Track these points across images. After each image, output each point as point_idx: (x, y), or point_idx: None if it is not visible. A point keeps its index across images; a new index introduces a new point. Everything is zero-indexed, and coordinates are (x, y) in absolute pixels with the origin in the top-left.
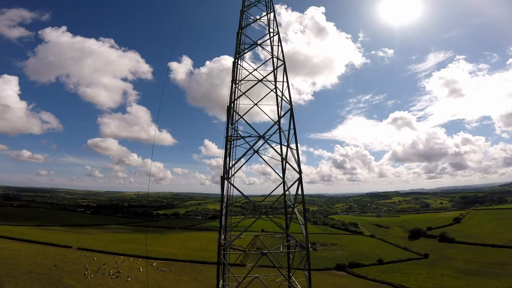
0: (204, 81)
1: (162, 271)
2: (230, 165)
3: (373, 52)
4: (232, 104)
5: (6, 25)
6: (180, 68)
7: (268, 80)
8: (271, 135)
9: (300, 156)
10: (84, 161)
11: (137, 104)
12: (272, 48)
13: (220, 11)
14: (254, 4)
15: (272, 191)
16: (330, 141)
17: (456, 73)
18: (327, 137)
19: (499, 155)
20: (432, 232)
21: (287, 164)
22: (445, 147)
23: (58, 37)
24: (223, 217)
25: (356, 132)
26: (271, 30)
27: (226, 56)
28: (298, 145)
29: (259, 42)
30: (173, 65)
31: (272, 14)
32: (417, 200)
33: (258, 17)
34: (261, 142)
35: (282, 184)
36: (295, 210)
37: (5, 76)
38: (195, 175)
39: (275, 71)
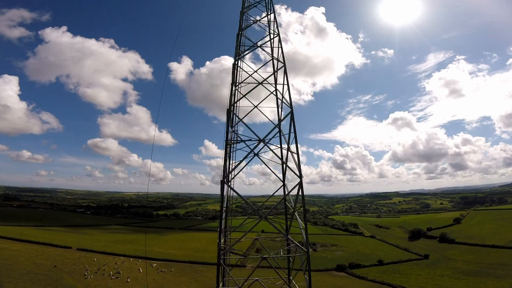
0: (204, 81)
1: (162, 271)
2: (230, 169)
3: (373, 52)
4: (232, 107)
5: (6, 25)
6: (180, 69)
7: (268, 83)
8: (272, 137)
9: (300, 158)
10: (84, 162)
11: (137, 105)
12: (272, 50)
13: (220, 11)
14: (254, 5)
15: (272, 194)
16: (330, 141)
17: (456, 73)
18: (327, 138)
19: (499, 156)
20: (432, 233)
21: (287, 167)
22: (445, 147)
23: (58, 37)
24: (223, 220)
25: (356, 132)
26: (271, 31)
27: (226, 57)
28: (299, 146)
29: (259, 43)
30: (173, 65)
31: (272, 15)
32: (417, 201)
33: (258, 18)
34: (261, 144)
35: (282, 187)
36: (295, 213)
37: (5, 76)
38: (195, 175)
39: (276, 73)
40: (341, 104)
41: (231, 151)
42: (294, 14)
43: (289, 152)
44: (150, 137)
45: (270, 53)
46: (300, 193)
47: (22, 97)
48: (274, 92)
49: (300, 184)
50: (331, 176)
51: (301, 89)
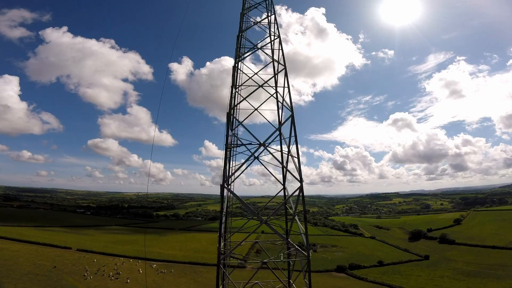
0: (205, 82)
1: (162, 272)
2: (230, 173)
3: (373, 53)
4: (232, 110)
5: (7, 26)
6: (181, 69)
7: (269, 85)
8: (272, 140)
9: (300, 159)
10: (84, 162)
11: (138, 105)
12: (272, 52)
13: (220, 12)
14: (255, 6)
15: (272, 198)
16: (330, 142)
17: (456, 74)
18: (327, 138)
19: (500, 156)
20: (432, 234)
21: (287, 172)
22: (446, 148)
23: (59, 37)
24: (223, 225)
25: (356, 133)
26: (272, 33)
27: (227, 57)
28: (299, 148)
29: (259, 45)
30: (174, 66)
31: (273, 17)
32: (418, 201)
33: (258, 19)
34: (261, 147)
35: (282, 190)
36: (296, 217)
37: (6, 76)
38: (195, 176)
39: (276, 76)
40: (341, 104)
41: (231, 154)
42: (294, 15)
43: (289, 156)
44: (150, 138)
45: (271, 55)
46: (300, 197)
47: (22, 97)
48: (275, 95)
49: (301, 188)
50: (331, 176)
51: (302, 89)
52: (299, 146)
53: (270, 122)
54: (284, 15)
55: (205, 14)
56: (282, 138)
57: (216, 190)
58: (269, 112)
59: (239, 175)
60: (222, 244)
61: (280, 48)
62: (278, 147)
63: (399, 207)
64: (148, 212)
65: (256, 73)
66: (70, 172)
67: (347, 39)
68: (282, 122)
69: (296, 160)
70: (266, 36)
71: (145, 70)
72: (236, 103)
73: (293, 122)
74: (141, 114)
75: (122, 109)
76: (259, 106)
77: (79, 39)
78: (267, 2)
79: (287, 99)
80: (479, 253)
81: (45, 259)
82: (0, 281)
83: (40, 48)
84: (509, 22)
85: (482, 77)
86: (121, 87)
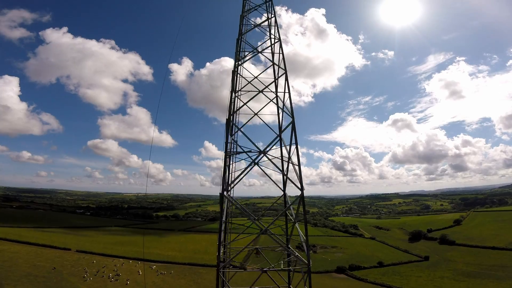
0: (205, 82)
1: (162, 274)
2: (230, 181)
3: (373, 53)
4: (232, 116)
5: (7, 26)
6: (181, 70)
7: (270, 90)
8: (272, 146)
9: (300, 159)
10: (84, 162)
11: (137, 106)
12: (273, 56)
13: (220, 12)
14: (255, 8)
15: (272, 204)
16: (330, 142)
17: (456, 74)
18: (327, 139)
19: (499, 157)
20: (432, 234)
21: (287, 179)
22: (445, 148)
23: (59, 38)
24: (222, 232)
25: (356, 133)
26: (272, 36)
27: (227, 58)
28: (299, 152)
29: (259, 49)
30: (174, 66)
31: (273, 20)
32: (417, 202)
33: (259, 22)
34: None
35: (283, 196)
36: (296, 225)
37: (6, 77)
38: (195, 176)
39: (276, 80)
40: (341, 105)
41: (230, 162)
42: (294, 16)
43: (290, 163)
44: (150, 138)
45: (271, 58)
46: (301, 205)
47: (22, 98)
48: (275, 100)
49: (301, 196)
50: (331, 177)
51: (301, 90)
52: (299, 148)
53: (271, 127)
54: (284, 16)
55: (205, 14)
56: (283, 145)
57: (216, 191)
58: (269, 112)
59: (238, 181)
60: (221, 250)
61: (281, 52)
62: (279, 151)
63: (399, 208)
64: (148, 212)
65: (256, 77)
66: (70, 172)
67: (347, 39)
68: (283, 128)
69: (297, 168)
70: (266, 39)
71: (145, 71)
72: (235, 109)
73: (293, 129)
74: (141, 114)
75: (122, 110)
76: (259, 111)
77: (79, 39)
78: (267, 4)
79: (287, 104)
80: (479, 254)
81: (45, 260)
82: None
83: (40, 48)
84: (509, 23)
85: (482, 78)
86: (121, 87)
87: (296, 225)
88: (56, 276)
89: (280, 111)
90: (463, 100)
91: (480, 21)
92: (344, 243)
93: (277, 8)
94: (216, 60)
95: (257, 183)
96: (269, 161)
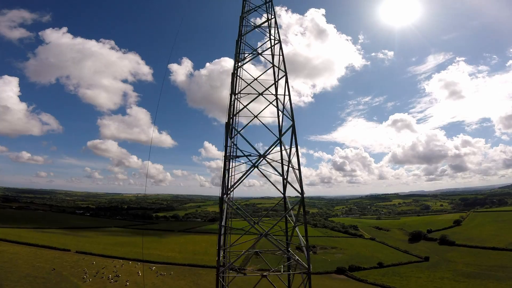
0: (204, 83)
1: (162, 275)
2: (229, 185)
3: (373, 54)
4: (231, 120)
5: (7, 26)
6: (180, 70)
7: (270, 93)
8: (272, 149)
9: (300, 160)
10: (84, 163)
11: (137, 106)
12: (273, 58)
13: (220, 12)
14: (255, 9)
15: (272, 208)
16: (330, 143)
17: (456, 75)
18: (327, 139)
19: (499, 157)
20: (432, 235)
21: (288, 183)
22: (445, 149)
23: (58, 38)
24: (222, 236)
25: (356, 134)
26: (272, 37)
27: (226, 58)
28: (299, 152)
29: (259, 50)
30: (173, 66)
31: (273, 21)
32: (417, 202)
33: (258, 22)
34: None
35: (283, 199)
36: (296, 229)
37: (5, 77)
38: (195, 177)
39: (276, 83)
40: (341, 105)
41: (230, 166)
42: (294, 16)
43: (290, 166)
44: (149, 139)
45: (271, 60)
46: (301, 209)
47: (22, 98)
48: (274, 102)
49: (302, 201)
50: (330, 177)
51: (301, 90)
52: (299, 150)
53: (271, 129)
54: (284, 16)
55: (205, 15)
56: (283, 149)
57: (216, 191)
58: (269, 113)
59: (238, 184)
60: (221, 254)
61: (281, 54)
62: (279, 152)
63: (398, 208)
64: (148, 213)
65: (255, 79)
66: (70, 173)
67: (347, 40)
68: (283, 131)
69: (297, 172)
70: (266, 40)
71: (145, 71)
72: (235, 112)
73: (294, 132)
74: (141, 115)
75: (121, 110)
76: (259, 113)
77: (79, 39)
78: (267, 5)
79: (287, 106)
80: (479, 254)
81: (44, 261)
82: None
83: (40, 48)
84: (508, 23)
85: (481, 78)
86: (121, 88)
87: (296, 229)
88: (55, 277)
89: (280, 113)
90: (463, 100)
91: (480, 21)
92: (344, 244)
93: (277, 9)
94: (216, 60)
95: (257, 184)
96: (265, 169)
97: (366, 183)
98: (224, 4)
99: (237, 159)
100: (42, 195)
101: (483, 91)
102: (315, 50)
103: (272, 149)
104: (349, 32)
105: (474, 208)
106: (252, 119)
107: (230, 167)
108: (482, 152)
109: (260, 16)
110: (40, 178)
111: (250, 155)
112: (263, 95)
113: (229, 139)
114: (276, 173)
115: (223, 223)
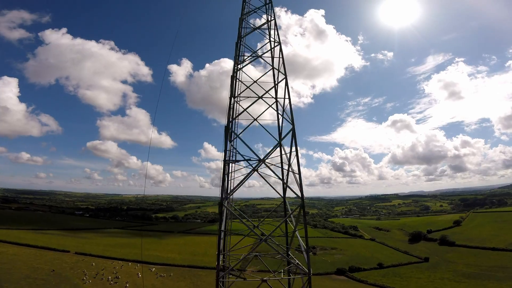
0: (204, 83)
1: (161, 276)
2: (229, 190)
3: (372, 54)
4: (231, 123)
5: (6, 27)
6: (180, 71)
7: (270, 96)
8: (272, 151)
9: (300, 161)
10: (83, 164)
11: (137, 107)
12: (272, 60)
13: (220, 13)
14: (254, 10)
15: (272, 211)
16: (329, 143)
17: (455, 75)
18: (326, 140)
19: (499, 157)
20: (432, 236)
21: (287, 187)
22: (445, 149)
23: (58, 39)
24: (221, 241)
25: (356, 134)
26: (272, 39)
27: (226, 59)
28: (299, 157)
29: (259, 52)
30: (173, 67)
31: (273, 22)
32: (417, 203)
33: (258, 24)
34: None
35: (283, 202)
36: (297, 233)
37: (5, 78)
38: (195, 178)
39: (276, 86)
40: (340, 106)
41: (230, 171)
42: (293, 17)
43: (289, 171)
44: (149, 140)
45: (271, 63)
46: (301, 213)
47: (21, 99)
48: (274, 105)
49: (302, 205)
50: (330, 178)
51: (301, 91)
52: (299, 151)
53: (270, 133)
54: (284, 16)
55: (204, 16)
56: (283, 153)
57: (216, 192)
58: (269, 115)
59: (237, 188)
60: (221, 258)
61: (281, 56)
62: (279, 155)
63: (398, 209)
64: (147, 214)
65: (255, 81)
66: (69, 174)
67: (346, 40)
68: (283, 135)
69: (297, 176)
70: (266, 42)
71: (145, 72)
72: (235, 114)
73: (294, 136)
74: (140, 116)
75: (121, 111)
76: (258, 116)
77: (79, 40)
78: (267, 6)
79: (287, 109)
80: (479, 255)
81: (43, 263)
82: None
83: (39, 49)
84: (508, 23)
85: (480, 78)
86: (120, 89)
87: (297, 233)
88: (55, 278)
89: (280, 116)
90: (462, 101)
91: (479, 22)
92: (344, 245)
93: (277, 9)
94: (216, 61)
95: (256, 184)
96: (265, 173)
97: (366, 183)
98: (223, 5)
99: (239, 167)
100: (41, 196)
101: (482, 92)
102: (314, 51)
103: (274, 149)
104: (349, 33)
105: (474, 208)
106: (252, 122)
107: (230, 171)
108: (482, 152)
109: (260, 18)
110: (39, 179)
111: (250, 159)
112: (263, 98)
113: (228, 142)
114: (276, 177)
115: (222, 228)
